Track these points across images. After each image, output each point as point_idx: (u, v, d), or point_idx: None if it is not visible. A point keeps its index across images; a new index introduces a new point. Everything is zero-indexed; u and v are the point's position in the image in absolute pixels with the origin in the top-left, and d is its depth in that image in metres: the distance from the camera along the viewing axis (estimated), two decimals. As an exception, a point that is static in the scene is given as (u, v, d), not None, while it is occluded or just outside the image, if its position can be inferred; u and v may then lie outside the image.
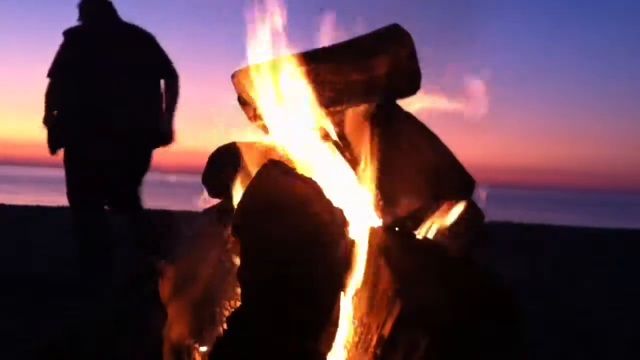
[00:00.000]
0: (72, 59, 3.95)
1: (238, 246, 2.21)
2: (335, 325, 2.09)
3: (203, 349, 2.32)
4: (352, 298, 2.23)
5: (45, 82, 4.14)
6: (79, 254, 4.25)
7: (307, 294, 2.03)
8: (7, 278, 4.86)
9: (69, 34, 4.06)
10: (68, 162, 4.07)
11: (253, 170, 2.42)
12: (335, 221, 2.19)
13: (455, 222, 2.44)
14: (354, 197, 2.44)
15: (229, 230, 2.32)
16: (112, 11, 3.98)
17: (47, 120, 3.99)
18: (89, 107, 3.87)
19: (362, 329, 2.16)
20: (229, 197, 2.49)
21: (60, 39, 4.25)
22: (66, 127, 3.98)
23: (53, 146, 4.02)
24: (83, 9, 3.99)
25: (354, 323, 2.20)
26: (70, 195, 4.11)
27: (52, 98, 3.96)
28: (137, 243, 4.24)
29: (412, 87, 2.63)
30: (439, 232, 2.43)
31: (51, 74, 4.02)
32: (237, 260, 2.23)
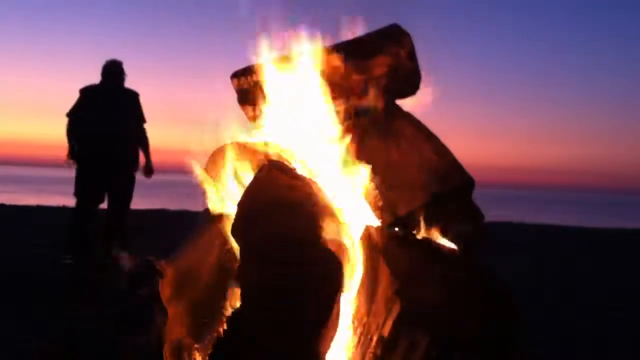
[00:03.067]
0: (87, 109, 5.68)
1: (238, 246, 2.21)
2: (334, 325, 2.09)
3: (203, 349, 2.32)
4: (352, 298, 2.23)
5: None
6: (68, 243, 5.66)
7: (306, 294, 2.03)
8: (7, 278, 4.87)
9: (85, 90, 5.75)
10: (81, 173, 5.69)
11: (251, 171, 2.42)
12: (335, 221, 2.19)
13: (455, 221, 2.44)
14: (354, 197, 2.44)
15: (229, 230, 2.32)
16: (121, 75, 5.76)
17: (71, 150, 5.69)
18: (98, 140, 5.61)
19: (362, 329, 2.16)
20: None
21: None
22: (82, 152, 5.69)
23: (72, 158, 5.69)
24: (105, 70, 5.73)
25: (354, 323, 2.20)
26: (77, 195, 5.72)
27: (71, 133, 5.69)
28: (106, 235, 5.71)
29: (411, 87, 2.63)
30: (439, 232, 2.43)
31: (70, 115, 5.70)
32: (237, 260, 2.23)
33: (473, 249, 2.47)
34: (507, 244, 8.46)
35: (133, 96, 5.80)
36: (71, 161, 5.67)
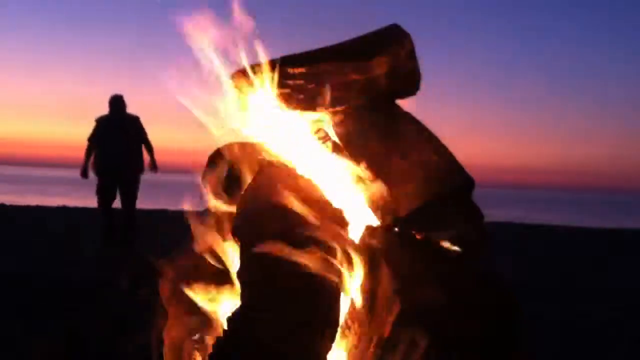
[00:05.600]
0: (101, 135, 7.62)
1: (238, 246, 2.21)
2: (335, 325, 2.09)
3: (203, 349, 2.32)
4: (352, 298, 2.23)
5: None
6: (102, 233, 7.68)
7: (306, 294, 2.03)
8: (7, 278, 4.87)
9: (99, 119, 7.70)
10: (99, 181, 7.62)
11: (251, 171, 2.42)
12: (335, 222, 2.19)
13: (455, 222, 2.44)
14: (354, 197, 2.44)
15: (229, 229, 2.32)
16: (124, 106, 7.68)
17: (85, 166, 7.65)
18: (110, 156, 7.55)
19: (362, 328, 2.16)
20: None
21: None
22: (100, 165, 7.62)
23: (84, 174, 7.68)
24: (110, 103, 7.63)
25: (354, 323, 2.20)
26: (98, 196, 7.68)
27: (88, 154, 7.65)
28: (121, 227, 7.65)
29: (411, 87, 2.62)
30: (439, 232, 2.43)
31: (89, 140, 7.64)
32: (237, 260, 2.23)
33: (473, 249, 2.46)
34: (507, 244, 8.47)
35: (134, 120, 7.73)
36: (86, 177, 7.65)
